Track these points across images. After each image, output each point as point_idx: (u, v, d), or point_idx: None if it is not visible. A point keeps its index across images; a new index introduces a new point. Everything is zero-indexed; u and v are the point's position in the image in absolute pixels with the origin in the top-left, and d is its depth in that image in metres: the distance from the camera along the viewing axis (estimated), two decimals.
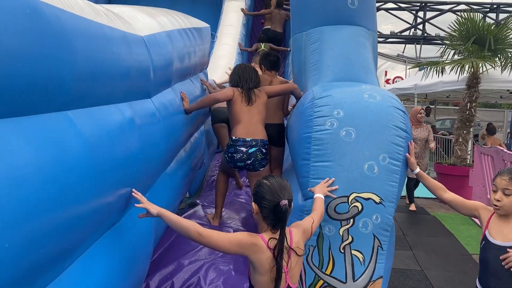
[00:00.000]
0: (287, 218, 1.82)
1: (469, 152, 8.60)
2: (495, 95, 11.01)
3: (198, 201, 4.27)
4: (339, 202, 2.53)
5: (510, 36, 7.64)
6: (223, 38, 8.66)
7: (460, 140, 8.17)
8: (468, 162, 8.42)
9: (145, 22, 2.47)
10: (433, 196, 8.55)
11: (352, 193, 2.53)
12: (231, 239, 1.82)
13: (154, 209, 1.84)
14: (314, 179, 2.60)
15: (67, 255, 1.41)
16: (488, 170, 7.29)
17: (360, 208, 2.53)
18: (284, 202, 1.81)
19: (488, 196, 7.39)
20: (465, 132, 8.18)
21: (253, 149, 3.34)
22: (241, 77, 3.52)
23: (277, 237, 1.81)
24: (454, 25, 7.96)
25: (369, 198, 2.54)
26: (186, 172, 3.37)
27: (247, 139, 3.35)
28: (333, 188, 2.53)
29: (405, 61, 19.85)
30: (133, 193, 1.90)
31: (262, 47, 8.82)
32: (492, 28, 7.80)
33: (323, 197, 2.43)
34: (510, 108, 19.09)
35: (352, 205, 2.53)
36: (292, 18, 3.96)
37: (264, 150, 3.42)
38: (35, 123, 1.23)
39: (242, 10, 9.87)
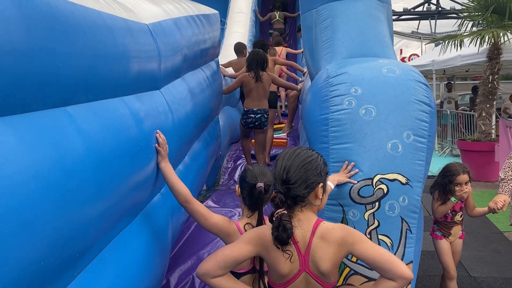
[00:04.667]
0: (263, 201, 1.88)
1: (493, 127, 8.28)
2: None
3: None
4: (363, 185, 2.37)
5: None
6: (234, 26, 8.52)
7: (484, 114, 7.87)
8: (493, 137, 8.11)
9: (149, 10, 2.34)
10: None
11: (376, 175, 2.37)
12: (212, 218, 1.96)
13: (164, 162, 2.01)
14: (335, 163, 2.45)
15: (76, 261, 1.31)
16: None
17: (385, 190, 2.37)
18: (260, 184, 1.89)
19: None
20: (488, 105, 7.87)
21: (259, 115, 4.75)
22: (253, 60, 4.72)
23: (253, 222, 1.93)
24: None
25: (394, 179, 2.38)
26: (201, 165, 3.26)
27: (254, 109, 4.75)
28: (354, 172, 2.38)
29: (420, 38, 19.34)
30: (157, 139, 2.00)
31: (277, 17, 9.15)
32: None
33: (332, 187, 2.30)
34: None
35: (377, 188, 2.37)
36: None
37: (266, 116, 4.81)
38: (33, 120, 1.12)
39: (259, 17, 10.03)
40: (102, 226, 1.43)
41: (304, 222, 1.61)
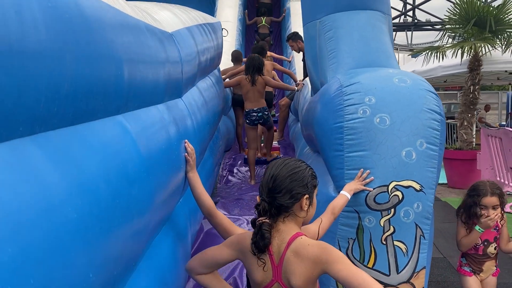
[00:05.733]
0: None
1: (473, 135, 8.56)
2: (492, 77, 11.00)
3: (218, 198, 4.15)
4: (379, 192, 2.43)
5: (510, 17, 7.59)
6: None
7: (465, 124, 8.12)
8: (474, 145, 8.38)
9: (168, 18, 2.35)
10: (442, 181, 8.49)
11: (391, 182, 2.43)
12: (236, 232, 1.92)
13: (192, 171, 2.04)
14: (350, 170, 2.50)
15: (124, 273, 1.30)
16: (496, 152, 7.25)
17: (400, 197, 2.43)
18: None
19: (498, 178, 7.37)
20: (469, 115, 8.13)
21: (260, 113, 5.27)
22: (250, 65, 5.18)
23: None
24: (453, 8, 7.89)
25: (409, 186, 2.44)
26: (209, 171, 3.26)
27: (254, 108, 5.26)
28: (369, 180, 2.43)
29: (397, 49, 19.83)
30: (186, 148, 2.02)
31: (263, 22, 9.44)
32: (491, 9, 7.75)
33: (349, 196, 2.34)
34: (503, 89, 19.15)
35: (392, 194, 2.43)
36: (303, 7, 3.84)
37: (266, 113, 5.34)
38: (93, 130, 1.11)
39: (246, 19, 10.23)
40: (151, 233, 1.42)
41: (282, 233, 1.61)
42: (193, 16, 3.18)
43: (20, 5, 0.84)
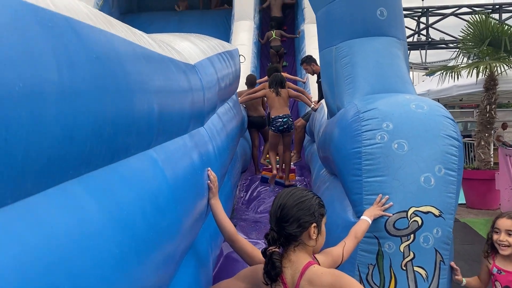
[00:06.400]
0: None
1: (491, 155, 8.48)
2: (509, 95, 10.92)
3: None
4: (398, 218, 2.45)
5: None
6: None
7: (482, 143, 8.06)
8: (491, 165, 8.29)
9: (190, 50, 2.45)
10: (460, 202, 8.39)
11: (410, 208, 2.45)
12: (259, 257, 1.83)
13: (214, 198, 2.09)
14: (369, 196, 2.53)
15: None
16: None
17: (420, 222, 2.45)
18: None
19: None
20: (486, 134, 8.07)
21: (285, 119, 5.73)
22: (273, 81, 5.88)
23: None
24: (467, 28, 7.93)
25: (428, 212, 2.46)
26: (228, 195, 3.32)
27: (280, 115, 5.73)
28: (388, 206, 2.45)
29: (411, 67, 19.85)
30: (208, 176, 2.08)
31: (273, 35, 9.74)
32: (505, 28, 7.76)
33: (370, 221, 2.36)
34: None
35: (411, 220, 2.45)
36: (319, 33, 3.93)
37: (290, 119, 5.84)
38: (128, 166, 1.19)
39: (260, 41, 10.49)
40: (178, 261, 1.48)
41: (295, 263, 1.62)
42: (212, 45, 3.30)
43: (70, 56, 0.92)
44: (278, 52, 10.55)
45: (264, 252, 1.66)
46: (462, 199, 8.19)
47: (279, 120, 5.72)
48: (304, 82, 8.83)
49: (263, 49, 11.16)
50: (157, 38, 2.16)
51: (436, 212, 2.46)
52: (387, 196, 2.47)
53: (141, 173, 1.29)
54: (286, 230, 1.62)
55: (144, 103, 1.36)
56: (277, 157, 6.10)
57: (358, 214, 2.56)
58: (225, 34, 10.93)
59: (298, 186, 5.55)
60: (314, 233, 1.66)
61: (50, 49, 0.85)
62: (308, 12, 10.06)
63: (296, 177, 6.25)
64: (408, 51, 21.27)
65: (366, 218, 2.37)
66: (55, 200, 0.83)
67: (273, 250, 1.63)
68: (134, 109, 1.27)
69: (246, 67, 8.88)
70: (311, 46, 9.04)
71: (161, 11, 12.46)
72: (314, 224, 1.67)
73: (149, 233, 1.14)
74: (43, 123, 0.77)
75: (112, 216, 1.00)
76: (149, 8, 12.96)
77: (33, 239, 0.73)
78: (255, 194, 5.27)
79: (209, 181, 2.06)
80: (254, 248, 2.04)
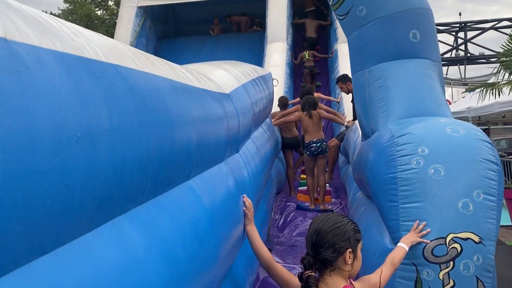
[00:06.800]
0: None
1: None
2: None
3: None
4: (436, 244, 2.41)
5: None
6: None
7: None
8: None
9: (224, 78, 2.55)
10: (506, 223, 8.04)
11: (449, 234, 2.41)
12: (295, 283, 1.85)
13: (250, 225, 2.13)
14: (405, 222, 2.50)
15: None
16: None
17: (459, 249, 2.39)
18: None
19: None
20: None
21: (319, 143, 5.84)
22: (306, 103, 5.94)
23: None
24: (507, 44, 7.72)
25: (467, 238, 2.40)
26: (263, 219, 3.36)
27: (314, 139, 5.84)
28: (425, 232, 2.42)
29: (450, 84, 19.37)
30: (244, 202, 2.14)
31: (306, 56, 9.87)
32: None
33: (407, 248, 2.33)
34: None
35: (450, 247, 2.40)
36: (351, 56, 3.97)
37: (324, 143, 5.93)
38: (170, 198, 1.26)
39: (293, 61, 10.68)
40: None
41: (331, 287, 1.65)
42: (246, 71, 3.40)
43: (118, 102, 1.01)
44: (311, 72, 10.65)
45: (300, 276, 1.70)
46: (507, 221, 7.83)
47: (313, 145, 5.83)
48: (338, 102, 8.82)
49: (296, 69, 11.27)
50: (193, 69, 2.27)
51: (476, 239, 2.40)
52: (424, 223, 2.44)
53: (181, 204, 1.36)
54: (322, 255, 1.66)
55: (184, 135, 1.45)
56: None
57: (395, 241, 2.53)
58: (258, 55, 11.14)
59: (333, 210, 5.52)
60: (349, 258, 1.69)
61: (101, 97, 0.94)
62: (341, 31, 10.10)
63: (332, 199, 6.20)
64: (447, 67, 20.76)
65: (403, 245, 2.34)
66: (106, 236, 0.90)
67: (309, 274, 1.67)
68: (174, 142, 1.35)
69: (279, 88, 8.99)
70: (344, 66, 9.06)
71: (196, 35, 12.86)
72: (350, 250, 1.69)
73: (189, 263, 1.20)
74: (97, 167, 0.85)
75: (156, 248, 1.07)
76: (185, 33, 13.41)
77: (87, 273, 0.80)
78: (290, 217, 5.26)
79: (244, 208, 2.12)
80: (290, 274, 2.06)
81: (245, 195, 2.15)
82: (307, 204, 5.84)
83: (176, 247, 1.18)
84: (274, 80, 5.32)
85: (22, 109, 0.67)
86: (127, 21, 11.36)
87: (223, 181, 1.95)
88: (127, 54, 1.23)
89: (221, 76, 2.64)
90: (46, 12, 1.08)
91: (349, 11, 3.84)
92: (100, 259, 0.84)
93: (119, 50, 1.19)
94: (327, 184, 6.71)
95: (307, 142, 5.90)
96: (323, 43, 12.25)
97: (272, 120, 5.95)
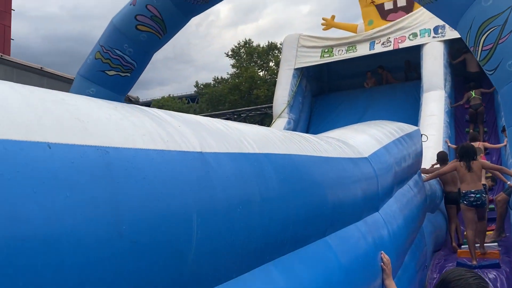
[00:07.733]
0: None
1: None
2: None
3: None
4: None
5: None
6: (428, 129, 8.60)
7: None
8: None
9: (365, 143, 2.85)
10: None
11: None
12: None
13: (389, 279, 2.29)
14: None
15: None
16: None
17: None
18: None
19: None
20: None
21: (478, 195, 5.51)
22: (463, 153, 5.60)
23: None
24: None
25: None
26: (411, 277, 3.40)
27: (472, 190, 5.52)
28: None
29: None
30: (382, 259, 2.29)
31: (473, 95, 9.27)
32: None
33: None
34: None
35: None
36: (504, 109, 3.84)
37: (484, 195, 5.58)
38: (306, 251, 1.62)
39: (452, 106, 10.21)
40: None
41: None
42: (390, 131, 3.61)
43: (266, 182, 1.44)
44: (477, 110, 9.91)
45: None
46: None
47: (472, 195, 5.51)
48: (505, 146, 8.04)
49: (457, 113, 10.67)
50: (332, 137, 2.64)
51: None
52: None
53: (317, 256, 1.70)
54: None
55: (318, 199, 1.80)
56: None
57: None
58: (414, 105, 10.94)
59: (499, 260, 5.07)
60: None
61: (255, 178, 1.38)
62: None
63: (500, 257, 5.63)
64: None
65: None
66: (258, 277, 1.31)
67: None
68: (310, 206, 1.72)
69: (438, 138, 8.68)
70: None
71: (350, 90, 13.30)
72: None
73: None
74: (252, 227, 1.28)
75: None
76: (339, 88, 13.98)
77: None
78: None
79: (382, 263, 2.33)
80: None
81: (382, 251, 2.36)
82: (468, 261, 5.43)
83: None
84: (423, 135, 5.30)
85: (212, 192, 1.14)
86: (285, 82, 12.49)
87: (360, 239, 2.21)
88: (274, 142, 1.68)
89: (361, 140, 2.94)
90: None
91: (497, 66, 3.74)
92: None
93: (268, 139, 1.65)
94: (496, 243, 6.14)
95: (464, 191, 5.56)
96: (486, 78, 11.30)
97: (426, 175, 5.79)
